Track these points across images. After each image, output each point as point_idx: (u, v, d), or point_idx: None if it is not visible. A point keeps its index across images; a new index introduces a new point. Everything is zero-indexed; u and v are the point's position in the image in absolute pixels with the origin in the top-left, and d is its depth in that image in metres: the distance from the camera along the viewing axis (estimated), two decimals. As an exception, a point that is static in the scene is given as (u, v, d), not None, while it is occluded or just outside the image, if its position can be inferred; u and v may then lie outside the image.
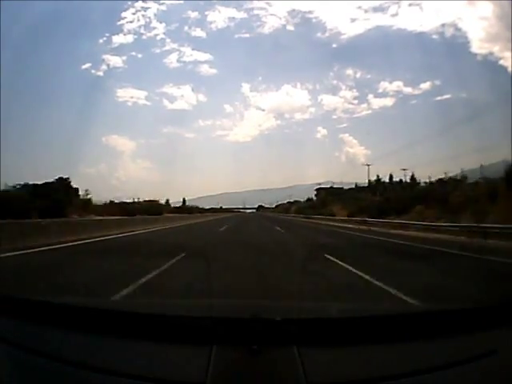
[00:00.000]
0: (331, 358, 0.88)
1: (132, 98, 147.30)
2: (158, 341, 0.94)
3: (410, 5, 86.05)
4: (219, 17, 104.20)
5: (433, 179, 27.81)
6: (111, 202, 30.82)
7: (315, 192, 66.78)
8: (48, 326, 1.05)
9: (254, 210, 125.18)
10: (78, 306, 1.17)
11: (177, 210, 46.27)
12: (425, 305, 1.91)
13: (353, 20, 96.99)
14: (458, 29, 73.27)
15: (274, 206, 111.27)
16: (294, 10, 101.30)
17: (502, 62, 64.69)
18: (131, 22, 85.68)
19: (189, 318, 1.04)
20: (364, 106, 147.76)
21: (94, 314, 1.09)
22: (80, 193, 24.66)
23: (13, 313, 1.12)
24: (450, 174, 25.22)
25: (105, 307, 1.20)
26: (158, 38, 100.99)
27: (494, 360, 0.89)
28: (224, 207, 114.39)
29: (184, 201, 64.73)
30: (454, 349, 0.93)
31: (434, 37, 72.48)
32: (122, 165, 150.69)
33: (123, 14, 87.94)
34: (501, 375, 0.87)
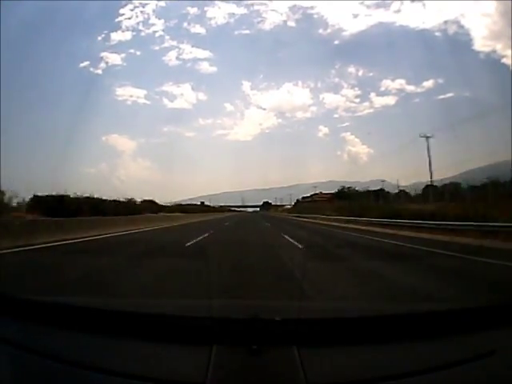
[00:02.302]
0: (331, 358, 0.89)
1: (131, 96, 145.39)
2: (157, 341, 0.94)
3: (412, 1, 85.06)
4: (219, 13, 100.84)
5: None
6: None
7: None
8: (48, 326, 1.05)
9: (258, 209, 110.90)
10: (78, 306, 1.18)
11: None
12: (425, 305, 1.91)
13: (355, 16, 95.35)
14: (460, 26, 73.02)
15: (291, 203, 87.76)
16: (295, 6, 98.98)
17: (504, 60, 64.35)
18: (129, 18, 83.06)
19: (189, 318, 1.04)
20: (366, 104, 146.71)
21: (94, 313, 1.09)
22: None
23: (13, 313, 1.12)
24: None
25: (105, 307, 1.20)
26: (157, 34, 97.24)
27: (494, 360, 0.89)
28: (224, 205, 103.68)
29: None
30: (454, 349, 0.94)
31: (437, 34, 71.92)
32: (122, 164, 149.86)
33: (121, 11, 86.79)
34: (501, 375, 0.87)
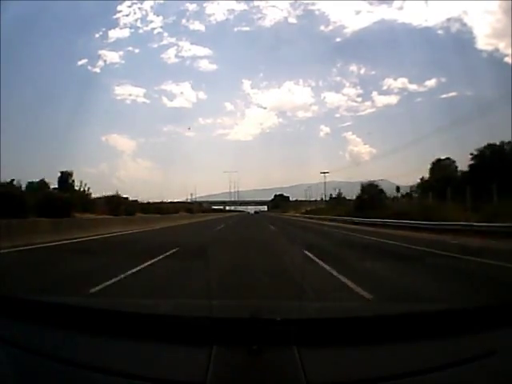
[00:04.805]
0: (331, 358, 0.89)
1: (130, 95, 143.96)
2: (158, 341, 0.94)
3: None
4: (218, 9, 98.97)
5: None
6: None
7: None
8: (48, 326, 1.05)
9: (264, 208, 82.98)
10: (78, 306, 1.18)
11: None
12: (425, 305, 1.91)
13: (357, 12, 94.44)
14: (463, 24, 72.78)
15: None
16: (295, 2, 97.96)
17: (507, 59, 63.49)
18: (127, 15, 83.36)
19: (189, 318, 1.05)
20: (368, 103, 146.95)
21: (94, 313, 1.09)
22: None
23: (13, 313, 1.12)
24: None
25: (105, 307, 1.21)
26: (156, 32, 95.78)
27: (494, 360, 0.89)
28: (206, 200, 78.38)
29: None
30: (454, 349, 0.93)
31: (440, 32, 71.59)
32: (122, 164, 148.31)
33: (119, 8, 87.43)
34: (501, 375, 0.87)
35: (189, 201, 65.55)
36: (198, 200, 73.37)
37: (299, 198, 73.53)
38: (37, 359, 0.93)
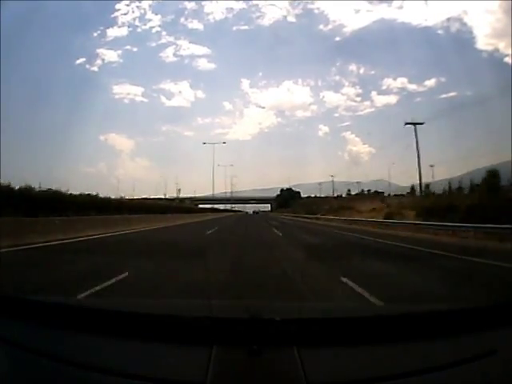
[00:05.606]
0: (331, 358, 0.89)
1: (129, 94, 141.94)
2: (157, 341, 0.94)
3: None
4: (217, 7, 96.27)
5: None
6: None
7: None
8: (48, 326, 1.05)
9: (267, 207, 72.93)
10: (78, 306, 1.18)
11: None
12: (425, 305, 1.91)
13: (356, 11, 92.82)
14: (463, 23, 72.31)
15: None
16: (294, 0, 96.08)
17: (507, 59, 62.95)
18: (125, 13, 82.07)
19: (189, 318, 1.04)
20: (367, 103, 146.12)
21: (95, 313, 1.09)
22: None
23: (13, 313, 1.12)
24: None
25: (105, 307, 1.21)
26: (154, 30, 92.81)
27: (494, 360, 0.89)
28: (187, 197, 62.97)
29: None
30: (453, 349, 0.93)
31: (439, 32, 71.01)
32: (121, 164, 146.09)
33: (117, 6, 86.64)
34: (501, 375, 0.87)
35: (167, 197, 56.73)
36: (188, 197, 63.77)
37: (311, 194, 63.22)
38: (37, 359, 0.93)
